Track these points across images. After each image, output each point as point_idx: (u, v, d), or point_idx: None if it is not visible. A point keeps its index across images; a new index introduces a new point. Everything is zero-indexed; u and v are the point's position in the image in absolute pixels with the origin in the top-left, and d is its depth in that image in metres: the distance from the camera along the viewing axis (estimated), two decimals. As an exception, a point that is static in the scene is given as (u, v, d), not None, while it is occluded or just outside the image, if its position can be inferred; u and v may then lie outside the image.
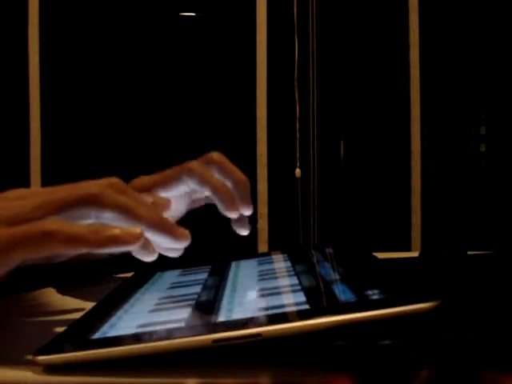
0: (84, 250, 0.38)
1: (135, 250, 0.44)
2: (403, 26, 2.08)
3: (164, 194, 0.53)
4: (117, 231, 0.39)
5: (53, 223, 0.38)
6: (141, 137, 2.02)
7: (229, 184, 0.55)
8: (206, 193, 0.52)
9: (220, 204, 0.52)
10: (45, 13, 1.97)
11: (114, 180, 0.44)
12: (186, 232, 0.44)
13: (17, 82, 1.97)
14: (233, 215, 0.52)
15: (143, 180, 0.54)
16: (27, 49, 1.96)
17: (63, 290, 0.57)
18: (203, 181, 0.52)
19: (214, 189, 0.52)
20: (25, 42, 1.96)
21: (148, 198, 0.47)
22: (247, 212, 0.55)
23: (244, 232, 0.54)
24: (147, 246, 0.44)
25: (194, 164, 0.53)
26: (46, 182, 1.97)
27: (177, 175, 0.53)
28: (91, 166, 1.99)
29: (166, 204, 0.48)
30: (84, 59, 2.00)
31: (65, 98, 2.00)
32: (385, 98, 2.11)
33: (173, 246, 0.45)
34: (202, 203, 0.60)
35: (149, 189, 0.52)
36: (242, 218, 0.54)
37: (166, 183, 0.53)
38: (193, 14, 2.06)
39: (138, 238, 0.40)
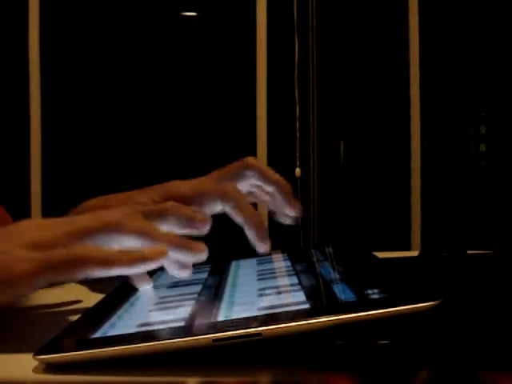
0: (115, 272, 0.41)
1: (133, 279, 0.48)
2: (403, 26, 2.08)
3: (196, 207, 0.53)
4: (144, 251, 0.43)
5: (85, 248, 0.41)
6: (141, 136, 2.02)
7: (270, 189, 0.55)
8: (238, 221, 0.52)
9: (251, 236, 0.51)
10: (45, 13, 1.97)
11: (128, 210, 0.47)
12: (203, 245, 0.46)
13: (17, 83, 1.97)
14: (262, 248, 0.52)
15: (178, 189, 0.54)
16: (27, 49, 1.96)
17: (63, 290, 0.57)
18: (238, 211, 0.52)
19: (248, 221, 0.51)
20: (25, 42, 1.96)
21: (188, 210, 0.48)
22: (297, 213, 0.55)
23: (264, 249, 0.53)
24: (144, 276, 0.48)
25: (231, 189, 0.52)
26: (46, 182, 1.97)
27: (212, 197, 0.52)
28: (91, 166, 1.99)
29: (206, 222, 0.48)
30: (84, 59, 2.00)
31: (65, 99, 2.00)
32: (384, 98, 2.11)
33: (192, 261, 0.47)
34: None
35: (183, 199, 0.52)
36: (262, 232, 0.53)
37: (201, 201, 0.53)
38: (193, 14, 2.06)
39: (163, 254, 0.43)
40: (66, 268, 0.40)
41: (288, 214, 0.55)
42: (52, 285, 0.57)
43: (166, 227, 0.47)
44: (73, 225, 0.44)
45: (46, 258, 0.40)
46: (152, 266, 0.42)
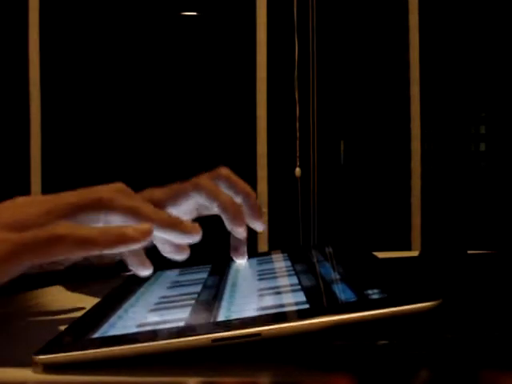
0: (95, 252, 0.39)
1: (131, 263, 0.45)
2: (403, 26, 2.08)
3: (173, 209, 0.53)
4: (125, 229, 0.40)
5: (62, 227, 0.39)
6: (141, 136, 2.02)
7: (238, 199, 0.55)
8: (214, 208, 0.52)
9: (227, 220, 0.52)
10: (45, 13, 1.97)
11: (120, 185, 0.45)
12: (196, 225, 0.45)
13: (17, 83, 1.97)
14: (240, 232, 0.52)
15: (152, 193, 0.54)
16: (27, 49, 1.96)
17: (64, 289, 0.57)
18: (212, 196, 0.52)
19: (223, 204, 0.52)
20: (25, 42, 1.96)
21: (184, 220, 0.47)
22: (259, 227, 0.55)
23: (240, 259, 0.54)
24: (143, 258, 0.45)
25: (202, 179, 0.53)
26: (46, 183, 1.97)
27: (186, 191, 0.53)
28: (91, 166, 1.99)
29: (197, 229, 0.47)
30: (85, 59, 2.00)
31: (65, 99, 2.00)
32: (385, 98, 2.11)
33: (185, 241, 0.46)
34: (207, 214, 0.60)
35: (158, 203, 0.52)
36: (240, 244, 0.54)
37: (176, 199, 0.53)
38: (193, 14, 2.06)
39: (147, 233, 0.40)
40: (43, 248, 0.38)
41: (250, 225, 0.55)
42: (50, 282, 0.57)
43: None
44: (56, 202, 0.42)
45: (21, 239, 0.38)
46: (136, 245, 0.40)
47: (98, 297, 0.48)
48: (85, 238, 0.38)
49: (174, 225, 0.44)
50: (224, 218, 0.52)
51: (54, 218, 0.41)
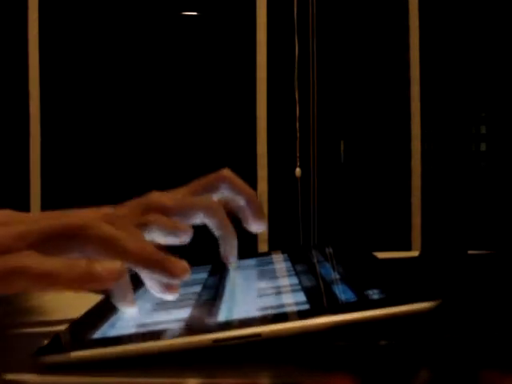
0: (58, 290, 0.36)
1: (114, 295, 0.40)
2: (403, 26, 2.08)
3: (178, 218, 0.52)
4: (92, 268, 0.35)
5: (25, 257, 0.35)
6: (141, 136, 2.02)
7: (241, 201, 0.55)
8: (215, 232, 0.51)
9: (224, 250, 0.50)
10: (45, 12, 1.97)
11: (107, 210, 0.41)
12: (183, 265, 0.40)
13: (16, 83, 1.97)
14: (229, 264, 0.51)
15: (160, 200, 0.51)
16: (27, 48, 1.96)
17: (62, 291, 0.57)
18: (219, 226, 0.50)
19: (225, 237, 0.50)
20: (25, 42, 1.96)
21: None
22: (261, 229, 0.55)
23: (228, 264, 0.53)
24: (127, 294, 0.40)
25: (216, 205, 0.51)
26: (45, 182, 1.97)
27: (195, 209, 0.49)
28: (91, 166, 1.99)
29: (188, 231, 0.44)
30: (85, 59, 2.00)
31: (65, 99, 2.00)
32: (385, 98, 2.11)
33: (170, 282, 0.41)
34: None
35: (165, 212, 0.51)
36: (230, 247, 0.53)
37: (182, 213, 0.51)
38: (193, 14, 2.06)
39: (116, 274, 0.36)
40: (2, 281, 0.34)
41: (251, 229, 0.55)
42: None
43: (149, 238, 0.43)
44: (30, 226, 0.38)
45: None
46: (104, 287, 0.36)
47: (97, 297, 0.48)
48: (47, 272, 0.35)
49: (158, 264, 0.39)
50: (221, 245, 0.51)
51: (26, 245, 0.37)
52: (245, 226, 0.57)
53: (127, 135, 2.02)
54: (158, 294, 0.41)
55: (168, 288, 0.41)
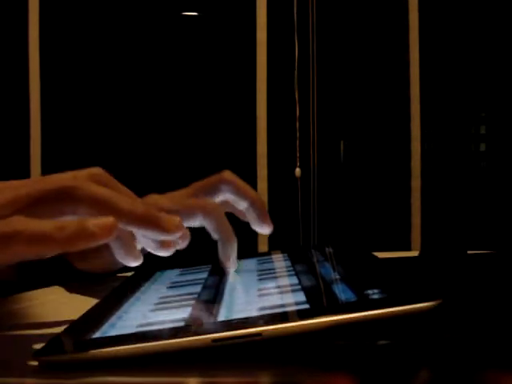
0: (53, 251, 0.35)
1: (117, 252, 0.40)
2: (403, 26, 2.08)
3: None
4: (85, 224, 0.35)
5: (16, 223, 0.35)
6: (141, 136, 2.02)
7: (244, 204, 0.54)
8: (214, 236, 0.51)
9: (223, 253, 0.50)
10: (45, 12, 1.97)
11: (95, 170, 0.41)
12: (176, 220, 0.40)
13: (17, 82, 1.97)
14: (228, 268, 0.51)
15: (158, 202, 0.51)
16: (27, 48, 1.96)
17: (64, 289, 0.57)
18: (217, 228, 0.50)
19: (224, 240, 0.50)
20: (25, 41, 1.96)
21: (163, 215, 0.41)
22: (267, 231, 0.54)
23: (227, 267, 0.52)
24: (130, 248, 0.40)
25: (214, 207, 0.50)
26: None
27: (192, 211, 0.49)
28: (91, 165, 1.99)
29: (185, 236, 0.44)
30: (85, 59, 2.00)
31: (65, 98, 2.00)
32: (385, 98, 2.11)
33: (164, 238, 0.41)
34: None
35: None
36: (228, 251, 0.53)
37: (181, 215, 0.50)
38: (193, 14, 2.06)
39: (110, 229, 0.35)
40: None
41: (258, 230, 0.54)
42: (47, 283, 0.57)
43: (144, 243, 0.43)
44: (21, 190, 0.38)
45: None
46: (98, 242, 0.35)
47: (97, 297, 0.48)
48: (39, 234, 0.34)
49: (150, 221, 0.39)
50: (220, 249, 0.50)
51: (15, 211, 0.36)
52: (252, 228, 0.56)
53: (127, 135, 2.02)
54: (153, 251, 0.41)
55: (162, 245, 0.41)
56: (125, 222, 0.38)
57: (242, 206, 0.55)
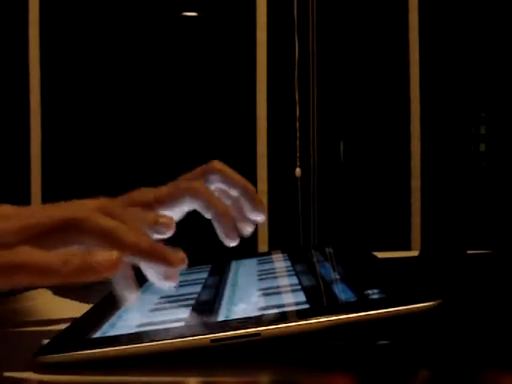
0: (55, 283, 0.36)
1: (116, 282, 0.41)
2: (403, 26, 2.08)
3: (164, 211, 0.52)
4: (90, 259, 0.36)
5: (23, 253, 0.36)
6: (141, 136, 2.02)
7: (235, 192, 0.53)
8: (208, 216, 0.50)
9: (220, 231, 0.50)
10: (45, 12, 1.97)
11: (103, 201, 0.42)
12: (182, 255, 0.41)
13: (17, 82, 1.97)
14: (230, 243, 0.50)
15: (144, 195, 0.51)
16: (27, 47, 1.96)
17: (63, 289, 0.57)
18: (208, 206, 0.49)
19: (217, 215, 0.49)
20: (25, 41, 1.96)
21: (149, 215, 0.43)
22: (260, 218, 0.53)
23: (229, 243, 0.51)
24: (129, 281, 0.41)
25: (198, 185, 0.51)
26: (46, 182, 1.97)
27: (180, 196, 0.49)
28: (91, 166, 1.99)
29: (169, 223, 0.44)
30: (85, 59, 2.00)
31: (66, 99, 2.00)
32: (385, 98, 2.11)
33: (167, 273, 0.41)
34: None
35: (149, 206, 0.50)
36: (230, 227, 0.52)
37: (169, 203, 0.50)
38: (193, 14, 2.06)
39: (114, 264, 0.36)
40: (1, 278, 0.35)
41: (252, 218, 0.54)
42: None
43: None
44: (28, 221, 0.38)
45: None
46: (102, 277, 0.36)
47: (97, 297, 0.48)
48: (44, 267, 0.35)
49: (155, 254, 0.40)
50: (217, 228, 0.50)
51: (23, 240, 0.37)
52: (239, 221, 0.55)
53: (127, 135, 2.02)
54: (158, 283, 0.41)
55: (167, 277, 0.41)
56: (131, 254, 0.39)
57: (232, 194, 0.54)
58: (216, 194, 0.53)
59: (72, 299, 0.53)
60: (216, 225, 0.49)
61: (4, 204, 0.41)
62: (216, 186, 0.54)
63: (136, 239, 0.39)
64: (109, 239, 0.38)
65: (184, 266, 0.40)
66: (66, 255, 0.36)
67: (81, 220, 0.38)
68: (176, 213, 0.52)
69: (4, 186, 1.88)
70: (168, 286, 0.40)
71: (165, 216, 0.45)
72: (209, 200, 0.49)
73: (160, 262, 0.40)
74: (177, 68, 2.04)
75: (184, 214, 0.55)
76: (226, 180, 0.53)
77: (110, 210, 0.41)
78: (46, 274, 0.35)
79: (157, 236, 0.44)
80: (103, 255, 0.36)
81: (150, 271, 0.41)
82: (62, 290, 0.57)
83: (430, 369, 0.31)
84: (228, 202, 0.55)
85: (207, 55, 2.05)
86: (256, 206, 0.52)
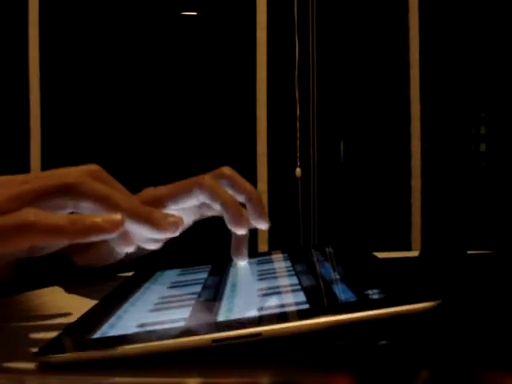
0: (64, 242, 0.38)
1: (114, 240, 0.43)
2: (403, 26, 2.08)
3: (173, 207, 0.52)
4: (96, 219, 0.38)
5: (30, 214, 0.37)
6: (141, 136, 2.02)
7: (241, 198, 0.54)
8: (216, 207, 0.51)
9: (229, 219, 0.51)
10: (45, 12, 1.97)
11: (94, 167, 0.43)
12: (171, 221, 0.43)
13: (16, 82, 1.97)
14: (241, 231, 0.51)
15: (152, 192, 0.52)
16: (27, 47, 1.96)
17: (63, 289, 0.57)
18: (214, 195, 0.51)
19: (225, 203, 0.50)
20: (25, 41, 1.96)
21: (158, 213, 0.45)
22: (264, 226, 0.54)
23: (241, 260, 0.53)
24: (126, 236, 0.43)
25: (205, 178, 0.52)
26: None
27: (187, 188, 0.51)
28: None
29: (177, 222, 0.45)
30: (84, 58, 2.00)
31: (65, 98, 2.00)
32: (385, 98, 2.11)
33: (156, 237, 0.43)
34: (210, 215, 0.58)
35: (158, 201, 0.51)
36: (241, 245, 0.53)
37: (176, 196, 0.51)
38: (193, 14, 2.06)
39: (118, 224, 0.38)
40: (9, 237, 0.36)
41: (255, 225, 0.54)
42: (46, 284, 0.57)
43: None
44: (25, 186, 0.40)
45: None
46: (107, 236, 0.38)
47: (97, 297, 0.48)
48: (53, 226, 0.37)
49: (145, 217, 0.42)
50: (225, 217, 0.51)
51: (21, 205, 0.39)
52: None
53: (127, 135, 2.02)
54: (143, 244, 0.43)
55: (155, 241, 0.44)
56: (126, 217, 0.41)
57: (239, 200, 0.55)
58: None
59: (84, 296, 0.53)
60: (224, 214, 0.50)
61: None
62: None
63: (129, 204, 0.41)
64: (105, 203, 0.40)
65: (175, 232, 0.43)
66: (71, 216, 0.38)
67: (76, 185, 0.40)
68: (187, 211, 0.53)
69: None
70: (153, 247, 0.42)
71: (173, 215, 0.46)
72: (216, 191, 0.50)
73: (147, 224, 0.42)
74: (176, 68, 2.04)
75: (196, 216, 0.55)
76: (234, 186, 0.54)
77: (102, 175, 0.42)
78: (55, 233, 0.37)
79: (158, 235, 0.45)
80: (108, 216, 0.38)
81: (139, 234, 0.43)
82: (74, 288, 0.57)
83: (430, 369, 0.31)
84: None
85: (207, 55, 2.05)
86: (260, 214, 0.53)
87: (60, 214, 0.39)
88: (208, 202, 0.52)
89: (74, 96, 2.00)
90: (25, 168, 1.96)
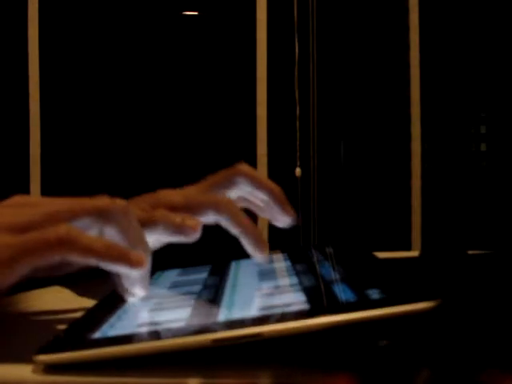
0: (93, 263, 0.38)
1: (131, 280, 0.42)
2: (403, 26, 2.08)
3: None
4: (128, 251, 0.39)
5: (69, 230, 0.38)
6: (141, 136, 2.02)
7: (262, 196, 0.53)
8: (233, 231, 0.49)
9: (250, 246, 0.48)
10: (44, 12, 1.97)
11: (119, 201, 0.43)
12: (190, 224, 0.43)
13: (16, 82, 1.97)
14: (261, 259, 0.48)
15: (171, 199, 0.50)
16: (27, 46, 1.96)
17: (63, 290, 0.57)
18: (233, 221, 0.48)
19: (245, 230, 0.48)
20: (24, 41, 1.96)
21: (177, 217, 0.45)
22: (290, 221, 0.53)
23: (261, 259, 0.49)
24: (145, 279, 0.42)
25: (225, 200, 0.49)
26: (46, 182, 1.97)
27: (204, 208, 0.49)
28: (91, 166, 1.99)
29: (196, 226, 0.45)
30: (85, 58, 2.00)
31: (65, 98, 2.00)
32: (385, 98, 2.11)
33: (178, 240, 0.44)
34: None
35: (175, 209, 0.50)
36: (260, 242, 0.51)
37: (193, 213, 0.50)
38: (193, 13, 2.06)
39: (144, 263, 0.39)
40: (45, 251, 0.37)
41: (282, 221, 0.53)
42: (50, 283, 0.57)
43: (155, 235, 0.45)
44: (58, 206, 0.41)
45: (23, 243, 0.37)
46: (130, 271, 0.39)
47: (97, 297, 0.48)
48: (90, 246, 0.38)
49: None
50: (246, 243, 0.49)
51: (56, 221, 0.39)
52: (273, 222, 0.55)
53: (127, 135, 2.02)
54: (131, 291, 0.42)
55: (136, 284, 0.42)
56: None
57: (260, 198, 0.54)
58: (240, 204, 0.53)
59: (84, 296, 0.53)
60: (244, 241, 0.48)
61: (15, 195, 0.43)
62: (243, 189, 0.53)
63: (138, 241, 0.41)
64: (131, 234, 0.41)
65: (196, 236, 0.43)
66: (106, 241, 0.39)
67: (110, 211, 0.41)
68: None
69: (3, 186, 1.88)
70: (139, 293, 0.42)
71: (192, 219, 0.45)
72: (234, 217, 0.48)
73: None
74: (177, 67, 2.04)
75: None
76: (254, 183, 0.53)
77: (126, 209, 0.42)
78: (89, 253, 0.38)
79: (182, 239, 0.44)
80: (139, 252, 0.39)
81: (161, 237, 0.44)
82: (74, 288, 0.57)
83: (430, 369, 0.31)
84: (254, 208, 0.55)
85: (207, 54, 2.05)
86: (285, 208, 0.53)
87: (96, 237, 0.40)
88: (225, 226, 0.49)
89: (74, 96, 2.00)
90: (25, 168, 1.96)
